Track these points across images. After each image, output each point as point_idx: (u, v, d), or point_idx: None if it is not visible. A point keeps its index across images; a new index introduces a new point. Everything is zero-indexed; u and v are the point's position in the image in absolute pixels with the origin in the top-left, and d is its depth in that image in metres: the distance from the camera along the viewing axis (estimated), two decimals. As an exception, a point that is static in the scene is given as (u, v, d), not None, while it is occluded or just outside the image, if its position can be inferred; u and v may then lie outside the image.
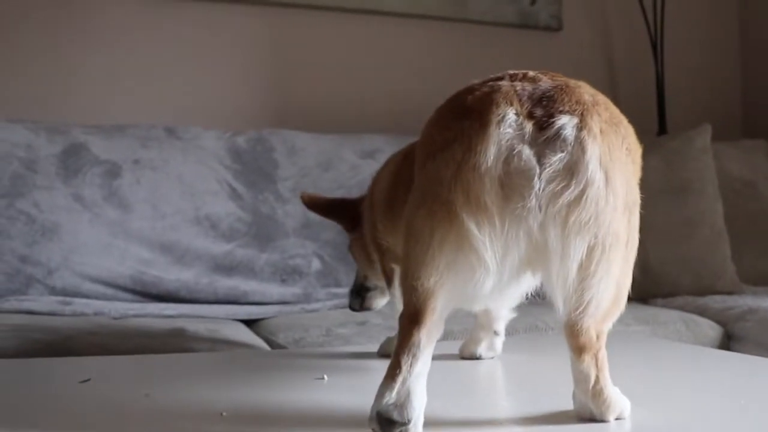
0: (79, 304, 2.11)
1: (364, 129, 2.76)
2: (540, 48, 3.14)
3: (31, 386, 1.19)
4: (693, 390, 1.11)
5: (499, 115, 0.83)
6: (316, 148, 2.59)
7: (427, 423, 0.86)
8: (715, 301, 2.23)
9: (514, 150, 0.82)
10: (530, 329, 1.83)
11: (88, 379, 1.19)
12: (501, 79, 0.91)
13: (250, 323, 2.19)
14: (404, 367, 0.84)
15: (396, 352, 0.86)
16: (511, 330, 1.47)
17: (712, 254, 2.38)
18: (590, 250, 0.83)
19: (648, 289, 2.37)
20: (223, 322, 2.11)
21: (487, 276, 0.84)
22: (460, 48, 3.03)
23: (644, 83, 3.17)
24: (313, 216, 2.42)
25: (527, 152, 0.82)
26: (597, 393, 0.88)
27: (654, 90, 3.11)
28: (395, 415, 0.83)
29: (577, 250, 0.82)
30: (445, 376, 1.23)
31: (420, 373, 0.85)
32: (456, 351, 1.38)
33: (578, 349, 0.87)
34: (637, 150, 0.92)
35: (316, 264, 2.38)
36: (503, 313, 1.33)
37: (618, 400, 0.89)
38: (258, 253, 2.35)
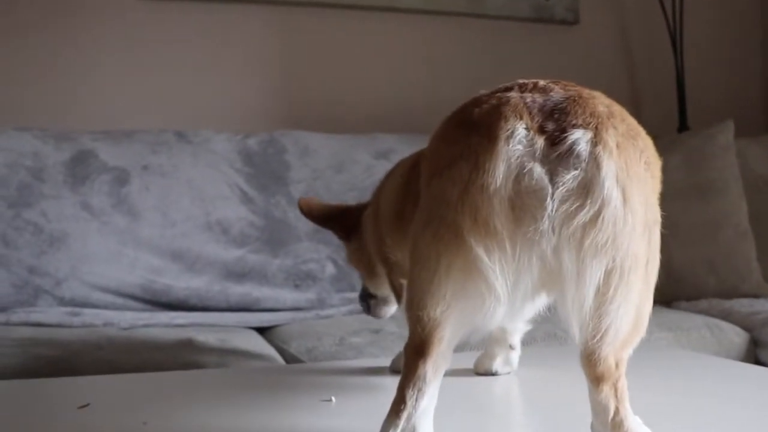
0: (88, 315, 2.08)
1: (377, 129, 2.70)
2: (556, 42, 3.07)
3: (27, 410, 1.15)
4: (719, 413, 1.05)
5: (508, 130, 0.78)
6: (329, 149, 2.55)
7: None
8: (741, 305, 2.15)
9: (524, 168, 0.77)
10: (548, 338, 1.77)
11: (87, 404, 1.15)
12: (510, 89, 0.85)
13: (262, 331, 2.16)
14: (409, 403, 0.80)
15: (400, 385, 0.81)
16: (529, 340, 1.42)
17: (736, 256, 2.31)
18: (608, 275, 0.77)
19: (671, 291, 2.30)
20: (234, 331, 2.07)
21: (498, 304, 0.78)
22: (475, 44, 2.97)
23: (664, 78, 3.09)
24: (327, 219, 2.40)
25: (539, 170, 0.77)
26: (617, 425, 0.82)
27: (674, 85, 3.03)
28: None
29: (594, 275, 0.77)
30: (458, 393, 1.18)
31: (426, 409, 0.80)
32: (470, 364, 1.33)
33: (596, 379, 0.81)
34: (656, 163, 0.86)
35: (330, 268, 2.33)
36: (519, 326, 1.28)
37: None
38: (270, 258, 2.30)
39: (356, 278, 2.31)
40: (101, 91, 2.61)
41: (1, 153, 2.24)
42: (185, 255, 2.24)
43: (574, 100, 0.81)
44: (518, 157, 0.77)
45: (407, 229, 1.01)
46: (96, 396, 1.20)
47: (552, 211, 0.76)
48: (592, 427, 0.85)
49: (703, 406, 1.09)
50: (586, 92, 0.84)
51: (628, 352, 0.84)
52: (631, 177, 0.78)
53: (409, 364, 0.81)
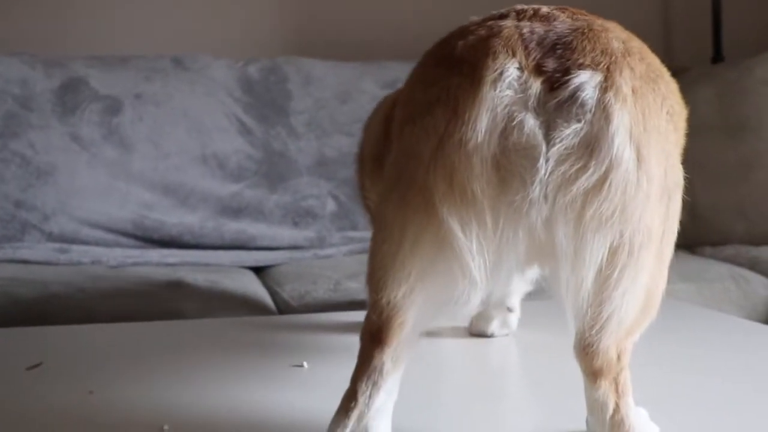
0: (76, 252, 1.99)
1: (386, 56, 2.53)
2: (584, -36, 2.85)
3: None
4: (741, 397, 0.92)
5: (497, 70, 0.63)
6: (334, 77, 2.40)
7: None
8: (770, 253, 2.00)
9: (513, 120, 0.62)
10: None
11: (38, 365, 1.05)
12: (506, 17, 0.69)
13: (258, 270, 2.05)
14: (361, 399, 0.67)
15: (352, 378, 0.69)
16: (531, 294, 1.27)
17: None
18: (613, 253, 0.63)
19: (695, 236, 2.15)
20: (228, 271, 1.98)
21: (473, 289, 0.65)
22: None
23: (699, 3, 2.86)
24: (329, 152, 2.27)
25: (531, 123, 0.62)
26: (616, 424, 0.69)
27: (709, 11, 2.82)
28: None
29: (595, 254, 0.63)
30: (447, 356, 1.07)
31: (381, 408, 0.68)
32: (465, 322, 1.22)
33: (593, 374, 0.68)
34: (681, 113, 0.70)
35: (331, 205, 2.21)
36: (518, 286, 1.15)
37: (643, 431, 0.71)
38: (268, 194, 2.18)
39: (359, 216, 2.19)
40: (94, 14, 2.48)
41: (-13, 80, 2.12)
42: (178, 189, 2.12)
43: (583, 33, 0.65)
44: (506, 105, 0.62)
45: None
46: (52, 353, 1.11)
47: (545, 174, 0.61)
48: (587, 423, 0.73)
49: (726, 377, 0.96)
50: (598, 23, 0.68)
51: (635, 339, 0.71)
52: (648, 131, 0.63)
53: (364, 353, 0.69)
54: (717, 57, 2.78)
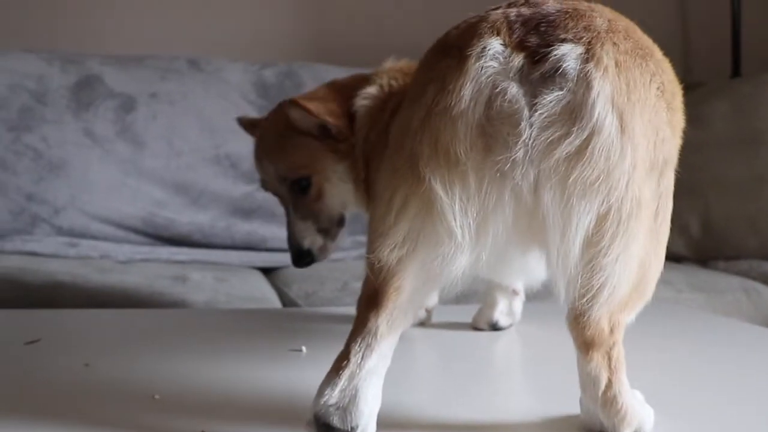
0: (86, 246, 1.99)
1: (403, 63, 2.54)
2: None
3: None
4: (743, 395, 0.90)
5: (481, 46, 0.65)
6: (350, 84, 2.39)
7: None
8: (784, 268, 1.98)
9: (497, 87, 0.64)
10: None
11: (37, 340, 1.05)
12: (499, 8, 0.72)
13: (267, 271, 2.05)
14: (353, 360, 0.67)
15: (347, 340, 0.69)
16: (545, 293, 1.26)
17: (782, 214, 2.12)
18: (600, 220, 0.64)
19: (708, 249, 2.13)
20: (236, 270, 1.97)
21: (459, 250, 0.65)
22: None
23: (718, 18, 2.86)
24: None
25: (514, 90, 0.64)
26: (609, 401, 0.68)
27: (729, 26, 2.80)
28: (335, 420, 0.66)
29: (583, 219, 0.63)
30: (450, 352, 1.05)
31: (373, 370, 0.67)
32: (468, 318, 1.20)
33: (584, 345, 0.68)
34: (674, 92, 0.71)
35: (342, 210, 2.20)
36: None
37: (636, 411, 0.69)
38: (280, 196, 2.17)
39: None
40: (112, 14, 2.50)
41: (5, 74, 2.14)
42: (190, 188, 2.13)
43: (567, 13, 0.68)
44: (490, 75, 0.64)
45: None
46: (51, 331, 1.11)
47: (529, 138, 0.63)
48: (581, 402, 0.72)
49: (728, 379, 0.94)
50: (584, 5, 0.70)
51: (629, 316, 0.70)
52: (633, 102, 0.64)
53: (360, 316, 0.69)
54: (735, 72, 2.76)
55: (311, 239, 1.18)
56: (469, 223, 0.64)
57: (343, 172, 1.15)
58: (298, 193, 1.17)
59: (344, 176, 1.15)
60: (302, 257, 1.19)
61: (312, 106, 1.12)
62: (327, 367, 0.70)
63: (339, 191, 1.17)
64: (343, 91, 1.16)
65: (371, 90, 1.12)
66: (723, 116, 2.21)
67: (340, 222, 1.21)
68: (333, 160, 1.15)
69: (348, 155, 1.14)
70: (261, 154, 1.22)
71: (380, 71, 1.16)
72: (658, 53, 0.71)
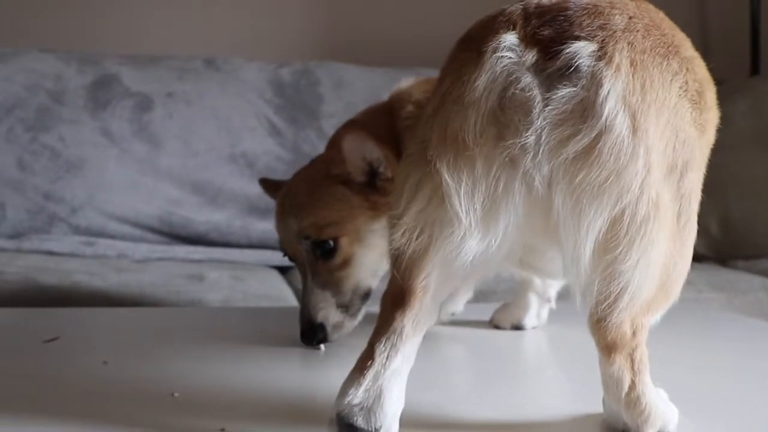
0: (102, 246, 2.00)
1: (419, 63, 2.53)
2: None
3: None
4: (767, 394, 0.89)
5: (497, 40, 0.65)
6: (366, 82, 2.39)
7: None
8: (805, 268, 1.95)
9: (512, 76, 0.64)
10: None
11: (56, 338, 1.05)
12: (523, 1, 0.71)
13: (283, 270, 2.04)
14: (378, 360, 0.66)
15: (371, 339, 0.68)
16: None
17: (804, 213, 2.09)
18: (614, 224, 0.62)
19: (728, 249, 2.10)
20: (253, 269, 1.97)
21: (468, 236, 0.64)
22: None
23: (737, 17, 2.83)
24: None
25: (528, 80, 0.63)
26: (632, 402, 0.67)
27: (748, 24, 2.78)
28: (358, 421, 0.65)
29: (593, 223, 0.62)
30: (471, 356, 1.04)
31: (398, 371, 0.66)
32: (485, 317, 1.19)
33: (606, 348, 0.67)
34: (702, 90, 0.69)
35: (359, 209, 2.19)
36: (557, 280, 1.13)
37: (661, 410, 0.68)
38: (296, 195, 2.17)
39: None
40: (130, 14, 2.51)
41: (23, 74, 2.15)
42: (207, 187, 2.13)
43: (586, 9, 0.67)
44: (506, 65, 0.64)
45: None
46: (69, 330, 1.11)
47: (541, 129, 0.62)
48: (604, 402, 0.71)
49: (751, 379, 0.93)
50: (606, 2, 0.69)
51: (653, 318, 0.69)
52: (648, 103, 0.63)
53: (385, 316, 0.68)
54: (754, 70, 2.74)
55: (326, 313, 1.02)
56: (476, 208, 0.63)
57: (383, 230, 0.98)
58: (320, 257, 1.02)
59: (386, 234, 0.97)
60: (313, 333, 1.01)
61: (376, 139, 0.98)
62: (346, 365, 0.69)
63: (373, 257, 1.03)
64: (384, 129, 1.04)
65: (410, 109, 1.04)
66: (742, 114, 2.19)
67: (366, 296, 1.06)
68: (371, 218, 1.02)
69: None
70: (285, 209, 1.07)
71: (403, 90, 1.09)
72: (687, 50, 0.70)
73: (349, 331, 1.03)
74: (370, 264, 1.04)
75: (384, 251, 1.00)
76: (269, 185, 1.23)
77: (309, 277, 1.03)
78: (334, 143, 1.07)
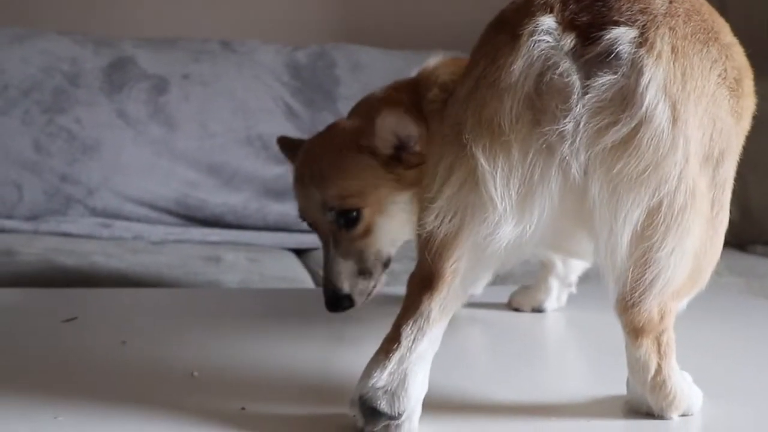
0: (119, 228, 2.00)
1: (436, 45, 2.50)
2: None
3: (13, 319, 1.06)
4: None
5: (534, 23, 0.64)
6: (382, 64, 2.38)
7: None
8: (826, 253, 1.93)
9: (549, 60, 0.62)
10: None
11: (74, 318, 1.05)
12: None
13: (299, 253, 2.04)
14: (404, 342, 0.65)
15: (396, 321, 0.67)
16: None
17: (825, 197, 2.07)
18: (652, 213, 0.62)
19: (747, 233, 2.09)
20: (269, 251, 1.97)
21: (503, 221, 0.63)
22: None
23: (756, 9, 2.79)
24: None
25: (567, 65, 0.62)
26: (658, 385, 0.67)
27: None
28: (382, 405, 0.64)
29: (630, 214, 0.62)
30: (494, 338, 1.03)
31: (423, 355, 0.66)
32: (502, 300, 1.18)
33: (634, 331, 0.66)
34: (740, 78, 0.68)
35: (375, 190, 2.19)
36: (580, 263, 1.12)
37: (686, 394, 0.68)
38: (313, 177, 2.17)
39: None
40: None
41: (39, 56, 2.15)
42: (223, 170, 2.12)
43: None
44: (543, 49, 0.63)
45: None
46: (88, 310, 1.11)
47: (579, 116, 0.61)
48: (628, 384, 0.70)
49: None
50: None
51: (681, 303, 0.68)
52: (688, 91, 0.62)
53: (412, 298, 0.67)
54: (775, 53, 2.70)
55: (352, 282, 1.03)
56: (511, 194, 0.63)
57: (406, 202, 1.03)
58: (342, 227, 1.03)
59: (406, 206, 1.03)
60: (340, 302, 1.03)
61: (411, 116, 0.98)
62: (364, 346, 0.69)
63: (393, 227, 1.05)
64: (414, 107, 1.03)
65: (436, 92, 1.02)
66: (762, 96, 2.16)
67: (387, 263, 1.08)
68: (393, 189, 1.03)
69: (416, 183, 1.00)
70: (306, 178, 1.06)
71: (430, 70, 1.07)
72: (726, 36, 0.69)
73: (372, 297, 1.06)
74: (390, 233, 1.05)
75: (402, 221, 1.04)
76: (287, 144, 1.21)
77: (331, 245, 1.04)
78: (362, 113, 1.07)
